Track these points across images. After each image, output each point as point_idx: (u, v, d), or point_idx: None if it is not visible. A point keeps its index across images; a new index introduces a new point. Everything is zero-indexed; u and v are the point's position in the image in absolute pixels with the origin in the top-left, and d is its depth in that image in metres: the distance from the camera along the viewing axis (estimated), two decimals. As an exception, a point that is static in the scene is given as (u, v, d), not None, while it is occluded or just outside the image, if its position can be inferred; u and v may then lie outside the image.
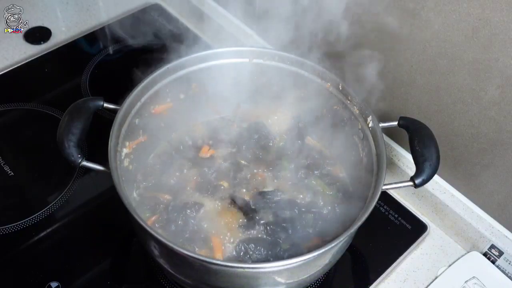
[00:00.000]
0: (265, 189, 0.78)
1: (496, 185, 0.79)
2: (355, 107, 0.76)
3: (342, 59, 0.77)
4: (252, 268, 0.60)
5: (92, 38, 1.14)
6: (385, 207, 0.88)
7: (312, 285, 0.78)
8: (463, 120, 0.78)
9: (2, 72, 1.04)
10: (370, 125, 0.73)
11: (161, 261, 0.68)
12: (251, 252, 0.70)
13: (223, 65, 0.80)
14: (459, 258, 0.83)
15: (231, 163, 0.80)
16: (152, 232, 0.58)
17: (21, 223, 0.82)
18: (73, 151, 0.65)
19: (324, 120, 0.82)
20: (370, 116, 0.73)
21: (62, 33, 1.14)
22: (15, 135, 0.96)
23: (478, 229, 0.82)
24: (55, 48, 1.10)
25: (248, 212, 0.74)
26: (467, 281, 0.79)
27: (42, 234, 0.82)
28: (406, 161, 0.88)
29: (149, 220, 0.72)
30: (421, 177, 0.67)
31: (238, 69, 0.81)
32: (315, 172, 0.81)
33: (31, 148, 0.94)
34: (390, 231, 0.85)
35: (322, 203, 0.78)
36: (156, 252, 0.66)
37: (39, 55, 1.08)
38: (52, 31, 1.13)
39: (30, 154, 0.93)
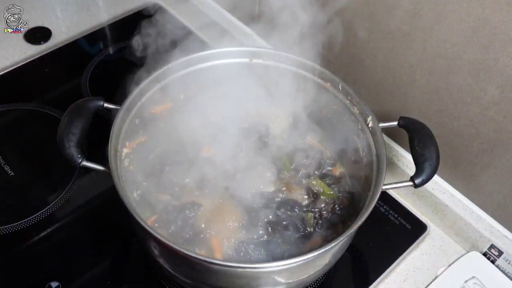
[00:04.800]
0: (266, 189, 0.78)
1: (496, 185, 0.79)
2: (355, 107, 0.76)
3: (342, 59, 0.77)
4: (252, 268, 0.60)
5: (92, 38, 1.14)
6: (385, 207, 0.88)
7: (312, 285, 0.78)
8: (463, 120, 0.78)
9: (2, 72, 1.04)
10: (370, 125, 0.73)
11: (161, 261, 0.68)
12: (251, 252, 0.70)
13: (223, 65, 0.80)
14: (459, 258, 0.83)
15: (232, 163, 0.80)
16: (152, 232, 0.58)
17: (21, 223, 0.82)
18: (73, 151, 0.65)
19: (324, 120, 0.82)
20: (370, 116, 0.73)
21: (62, 33, 1.14)
22: (15, 135, 0.96)
23: (477, 229, 0.82)
24: (55, 48, 1.10)
25: (248, 212, 0.74)
26: (466, 281, 0.79)
27: (42, 234, 0.82)
28: (406, 161, 0.88)
29: (149, 220, 0.72)
30: (421, 177, 0.67)
31: (238, 69, 0.81)
32: (316, 172, 0.81)
33: (31, 148, 0.94)
34: (390, 231, 0.85)
35: (322, 203, 0.78)
36: (156, 252, 0.66)
37: (39, 55, 1.08)
38: (52, 31, 1.13)
39: (30, 154, 0.93)
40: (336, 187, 0.80)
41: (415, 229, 0.86)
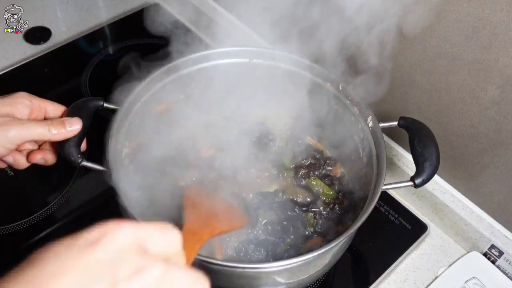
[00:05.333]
0: (266, 190, 0.78)
1: (496, 185, 0.79)
2: (355, 107, 0.76)
3: (342, 59, 0.77)
4: (252, 268, 0.60)
5: (92, 38, 1.14)
6: (385, 207, 0.88)
7: (312, 285, 0.78)
8: (463, 120, 0.78)
9: (2, 72, 1.04)
10: (370, 125, 0.73)
11: (161, 261, 0.68)
12: (251, 252, 0.70)
13: (223, 65, 0.80)
14: (459, 258, 0.83)
15: (232, 163, 0.80)
16: (152, 232, 0.58)
17: (21, 223, 0.82)
18: (73, 151, 0.65)
19: (324, 120, 0.82)
20: (370, 116, 0.73)
21: (62, 33, 1.14)
22: (15, 135, 0.96)
23: (478, 229, 0.82)
24: (55, 48, 1.10)
25: (248, 212, 0.74)
26: (467, 281, 0.79)
27: (42, 234, 0.82)
28: (406, 161, 0.88)
29: (149, 220, 0.72)
30: (421, 177, 0.67)
31: (238, 69, 0.81)
32: (316, 172, 0.81)
33: (31, 148, 0.94)
34: (390, 231, 0.85)
35: (322, 203, 0.78)
36: (156, 252, 0.66)
37: (39, 55, 1.08)
38: (52, 31, 1.13)
39: (30, 154, 0.93)
40: (336, 187, 0.80)
41: (415, 229, 0.86)
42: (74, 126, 0.64)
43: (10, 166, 0.67)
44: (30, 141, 0.65)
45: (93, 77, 1.06)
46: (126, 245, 0.33)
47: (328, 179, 0.80)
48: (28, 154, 0.66)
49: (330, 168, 0.83)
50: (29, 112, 0.65)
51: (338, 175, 0.82)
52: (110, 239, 0.33)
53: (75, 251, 0.32)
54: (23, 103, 0.64)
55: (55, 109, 0.68)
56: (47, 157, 0.66)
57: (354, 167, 0.79)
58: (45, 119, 0.67)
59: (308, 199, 0.78)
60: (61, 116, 0.68)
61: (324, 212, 0.76)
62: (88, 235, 0.34)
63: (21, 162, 0.67)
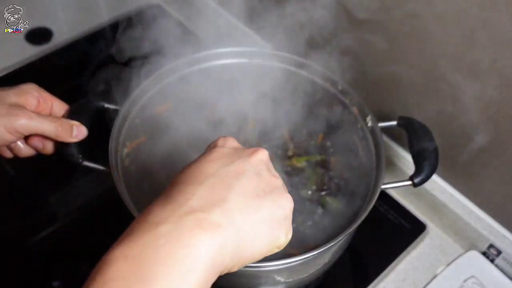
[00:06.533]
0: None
1: (494, 184, 0.80)
2: (354, 107, 0.76)
3: (342, 59, 0.77)
4: (252, 267, 0.61)
5: (93, 38, 1.14)
6: (384, 206, 0.88)
7: (311, 284, 0.78)
8: (462, 120, 0.78)
9: (3, 73, 1.04)
10: (369, 124, 0.73)
11: (162, 260, 0.68)
12: None
13: (223, 66, 0.81)
14: (457, 257, 0.83)
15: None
16: (153, 232, 0.58)
17: (21, 223, 0.83)
18: (73, 151, 0.66)
19: (323, 119, 0.82)
20: (369, 116, 0.73)
21: (63, 33, 1.14)
22: (16, 135, 0.96)
23: (476, 228, 0.82)
24: (56, 48, 1.10)
25: None
26: (465, 280, 0.79)
27: (42, 234, 0.82)
28: (405, 161, 0.89)
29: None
30: (420, 176, 0.68)
31: (238, 69, 0.81)
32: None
33: (32, 148, 0.94)
34: (389, 230, 0.85)
35: (322, 202, 0.78)
36: (156, 251, 0.67)
37: (40, 55, 1.08)
38: (53, 31, 1.13)
39: (31, 154, 0.93)
40: (337, 186, 0.80)
41: (414, 228, 0.86)
42: (80, 135, 0.67)
43: (12, 152, 0.68)
44: (35, 134, 0.66)
45: (94, 77, 1.06)
46: (236, 144, 0.51)
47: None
48: (28, 138, 0.67)
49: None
50: (36, 103, 0.66)
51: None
52: (225, 143, 0.50)
53: (207, 151, 0.50)
54: (32, 94, 0.66)
55: (60, 106, 0.69)
56: (45, 143, 0.67)
57: (353, 167, 0.79)
58: (51, 114, 0.69)
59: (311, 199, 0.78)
60: (64, 115, 0.68)
61: (322, 212, 0.76)
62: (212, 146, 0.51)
63: (22, 148, 0.68)
